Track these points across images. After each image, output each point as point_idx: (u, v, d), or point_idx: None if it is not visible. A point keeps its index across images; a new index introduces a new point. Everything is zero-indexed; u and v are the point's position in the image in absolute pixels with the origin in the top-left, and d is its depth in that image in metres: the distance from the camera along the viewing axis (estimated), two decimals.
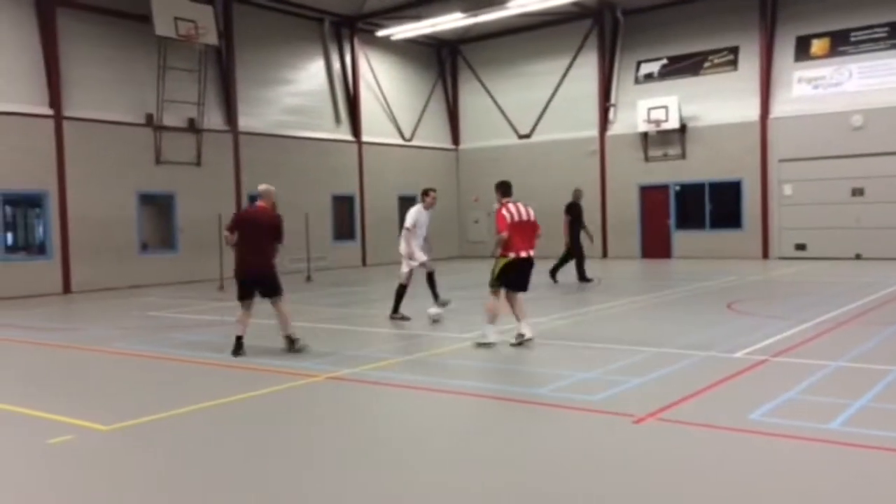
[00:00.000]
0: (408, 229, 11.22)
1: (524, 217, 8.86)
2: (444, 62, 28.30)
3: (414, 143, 26.99)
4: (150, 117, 19.40)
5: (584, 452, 4.94)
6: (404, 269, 11.29)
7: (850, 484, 4.23)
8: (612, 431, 5.33)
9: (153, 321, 12.25)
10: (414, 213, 11.40)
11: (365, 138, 25.13)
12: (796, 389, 6.25)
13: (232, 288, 9.68)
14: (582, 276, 16.09)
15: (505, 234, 8.67)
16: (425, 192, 11.54)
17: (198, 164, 20.42)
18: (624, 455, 4.85)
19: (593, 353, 8.34)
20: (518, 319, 8.91)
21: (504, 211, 8.82)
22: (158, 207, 20.17)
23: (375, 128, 25.64)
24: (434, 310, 11.03)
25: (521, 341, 8.71)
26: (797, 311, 10.93)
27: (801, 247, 21.77)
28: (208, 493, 4.39)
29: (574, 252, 16.21)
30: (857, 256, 20.74)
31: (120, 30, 19.12)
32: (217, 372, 7.85)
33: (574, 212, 16.42)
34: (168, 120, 19.69)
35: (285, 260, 22.43)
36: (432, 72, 28.09)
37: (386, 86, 26.17)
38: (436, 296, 11.30)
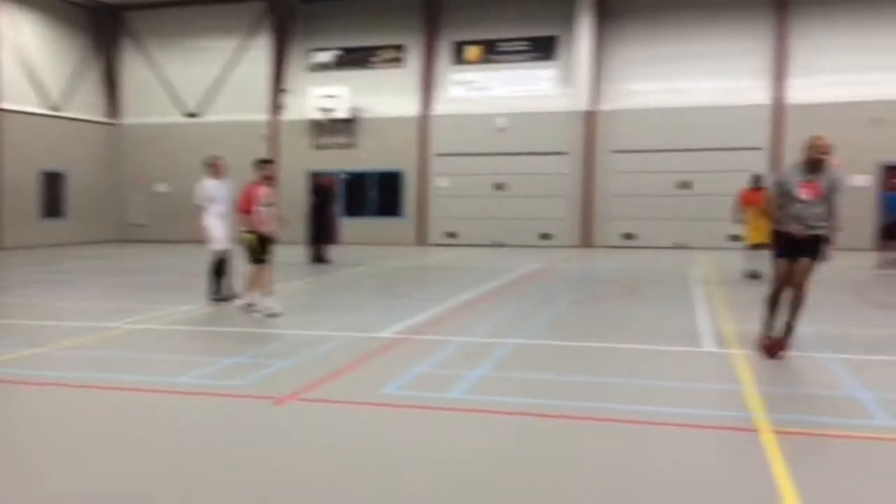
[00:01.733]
0: (201, 206, 10.03)
1: None
2: (101, 27, 25.86)
3: (64, 114, 24.33)
4: None
5: (222, 437, 4.89)
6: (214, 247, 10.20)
7: (466, 446, 4.75)
8: (252, 414, 5.36)
9: None
10: (207, 188, 10.05)
11: (3, 105, 22.04)
12: (427, 363, 6.85)
13: None
14: (321, 257, 17.07)
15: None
16: (210, 163, 10.32)
17: None
18: (262, 437, 4.90)
19: (243, 338, 8.31)
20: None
21: None
22: None
23: (18, 95, 22.62)
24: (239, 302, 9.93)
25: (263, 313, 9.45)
26: (444, 293, 11.95)
27: (451, 234, 23.86)
28: None
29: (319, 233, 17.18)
30: (499, 245, 23.30)
31: None
32: None
33: (321, 194, 17.42)
34: None
35: None
36: (88, 38, 25.53)
37: (32, 48, 23.21)
38: (217, 289, 10.40)
